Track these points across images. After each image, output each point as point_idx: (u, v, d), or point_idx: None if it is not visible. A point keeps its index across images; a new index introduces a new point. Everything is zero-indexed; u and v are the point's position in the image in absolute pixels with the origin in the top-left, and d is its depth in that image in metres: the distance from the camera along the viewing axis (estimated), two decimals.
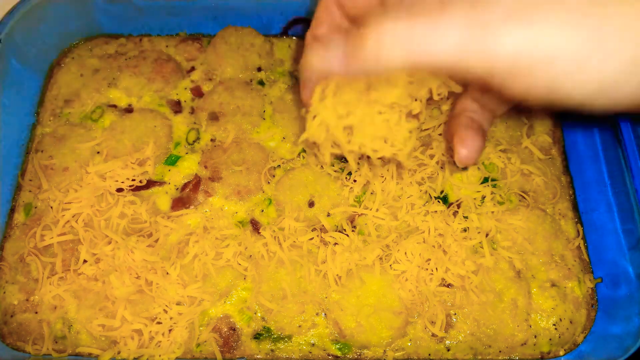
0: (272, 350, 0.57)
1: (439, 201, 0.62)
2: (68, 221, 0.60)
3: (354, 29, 0.36)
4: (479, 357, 0.58)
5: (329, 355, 0.58)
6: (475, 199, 0.63)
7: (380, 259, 0.59)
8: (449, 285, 0.58)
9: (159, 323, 0.56)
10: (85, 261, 0.58)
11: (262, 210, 0.63)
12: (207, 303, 0.57)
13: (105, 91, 0.70)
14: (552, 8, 0.32)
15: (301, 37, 0.74)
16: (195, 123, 0.68)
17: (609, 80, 0.32)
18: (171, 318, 0.56)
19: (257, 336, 0.57)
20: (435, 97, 0.40)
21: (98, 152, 0.65)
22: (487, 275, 0.59)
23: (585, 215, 0.64)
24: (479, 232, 0.61)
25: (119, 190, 0.62)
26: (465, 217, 0.61)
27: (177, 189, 0.64)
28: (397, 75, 0.39)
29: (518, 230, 0.61)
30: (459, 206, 0.62)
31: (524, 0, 0.32)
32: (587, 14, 0.31)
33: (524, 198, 0.64)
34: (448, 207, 0.62)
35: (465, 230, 0.61)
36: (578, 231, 0.63)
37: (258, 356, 0.57)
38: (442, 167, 0.64)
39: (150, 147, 0.64)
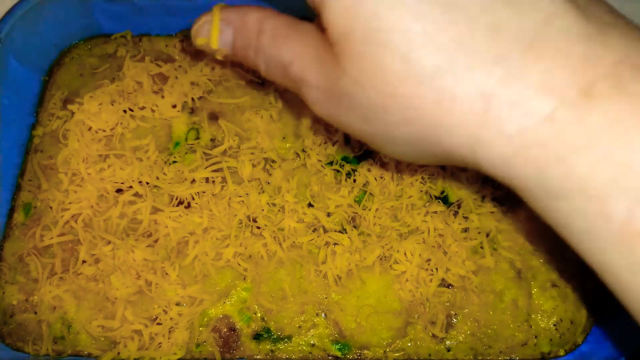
0: (271, 351, 0.57)
1: (439, 201, 0.62)
2: (67, 221, 0.60)
3: None
4: (480, 358, 0.58)
5: (329, 355, 0.57)
6: (475, 199, 0.63)
7: (380, 259, 0.59)
8: (449, 286, 0.58)
9: (159, 324, 0.56)
10: (84, 261, 0.58)
11: (262, 210, 0.63)
12: (207, 303, 0.57)
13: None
14: None
15: None
16: (195, 123, 0.68)
17: None
18: (171, 319, 0.56)
19: (256, 336, 0.57)
20: None
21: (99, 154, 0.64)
22: (488, 275, 0.59)
23: None
24: (479, 233, 0.60)
25: (119, 190, 0.62)
26: (466, 218, 0.61)
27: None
28: None
29: (519, 231, 0.61)
30: (459, 206, 0.62)
31: None
32: None
33: None
34: (448, 207, 0.62)
35: (465, 230, 0.61)
36: None
37: (258, 357, 0.57)
38: (442, 167, 0.64)
39: (150, 147, 0.64)
